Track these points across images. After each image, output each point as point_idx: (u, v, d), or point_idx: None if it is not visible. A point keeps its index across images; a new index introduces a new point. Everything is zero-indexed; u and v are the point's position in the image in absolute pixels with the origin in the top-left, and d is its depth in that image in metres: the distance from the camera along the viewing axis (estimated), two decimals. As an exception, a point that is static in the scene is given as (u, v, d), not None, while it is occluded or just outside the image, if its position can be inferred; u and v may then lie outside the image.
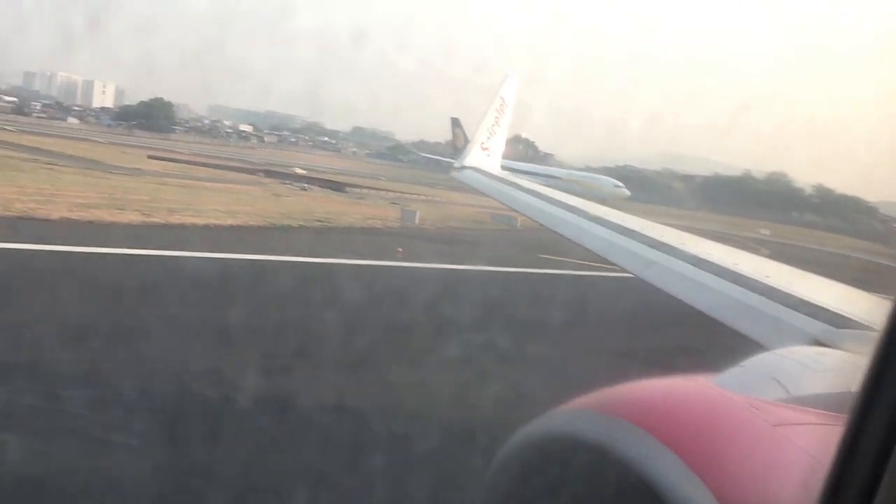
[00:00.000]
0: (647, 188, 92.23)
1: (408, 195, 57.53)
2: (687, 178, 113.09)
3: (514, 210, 13.61)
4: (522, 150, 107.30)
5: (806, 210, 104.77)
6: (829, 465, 1.74)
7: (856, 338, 3.62)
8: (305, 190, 51.73)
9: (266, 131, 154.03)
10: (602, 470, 2.05)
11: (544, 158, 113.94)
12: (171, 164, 60.77)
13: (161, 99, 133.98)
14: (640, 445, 2.02)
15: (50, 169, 41.83)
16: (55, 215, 24.96)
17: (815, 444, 2.09)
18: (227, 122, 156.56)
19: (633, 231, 7.89)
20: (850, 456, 1.71)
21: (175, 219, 27.91)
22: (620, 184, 75.78)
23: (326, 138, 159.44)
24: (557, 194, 12.55)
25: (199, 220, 28.37)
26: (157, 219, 27.36)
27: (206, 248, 23.11)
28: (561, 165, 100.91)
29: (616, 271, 8.29)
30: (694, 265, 6.14)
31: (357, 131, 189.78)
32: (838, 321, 4.02)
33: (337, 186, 56.23)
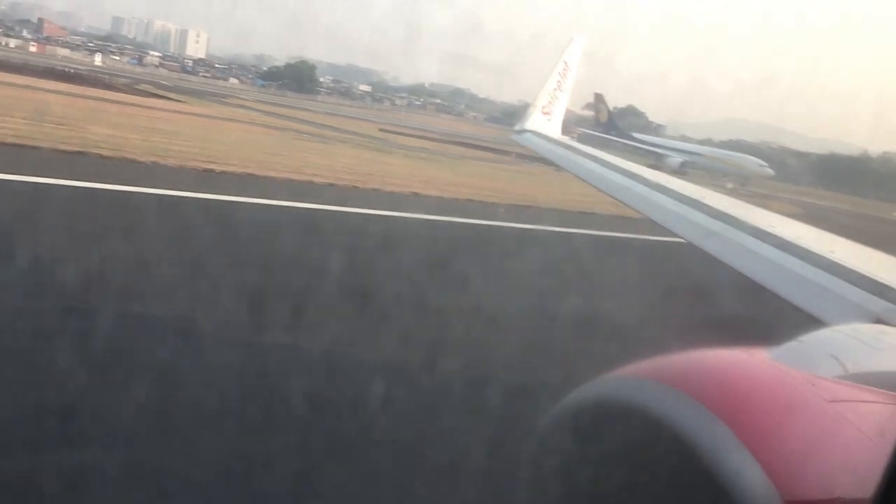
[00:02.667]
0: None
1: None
2: (801, 156, 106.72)
3: (575, 175, 12.73)
4: (633, 122, 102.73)
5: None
6: (892, 443, 1.67)
7: None
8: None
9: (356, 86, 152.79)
10: (653, 439, 1.99)
11: (657, 130, 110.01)
12: (419, 140, 59.85)
13: (305, 61, 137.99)
14: (693, 416, 1.97)
15: (380, 150, 43.75)
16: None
17: (873, 422, 1.99)
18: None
19: (696, 200, 7.47)
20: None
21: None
22: (764, 163, 71.68)
23: (439, 100, 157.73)
24: (617, 160, 11.81)
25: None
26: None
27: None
28: (672, 138, 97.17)
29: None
30: (756, 237, 5.82)
31: (457, 93, 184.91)
32: None
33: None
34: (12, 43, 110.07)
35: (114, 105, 44.35)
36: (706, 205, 7.17)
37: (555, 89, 17.10)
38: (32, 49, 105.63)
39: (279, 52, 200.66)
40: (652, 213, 7.97)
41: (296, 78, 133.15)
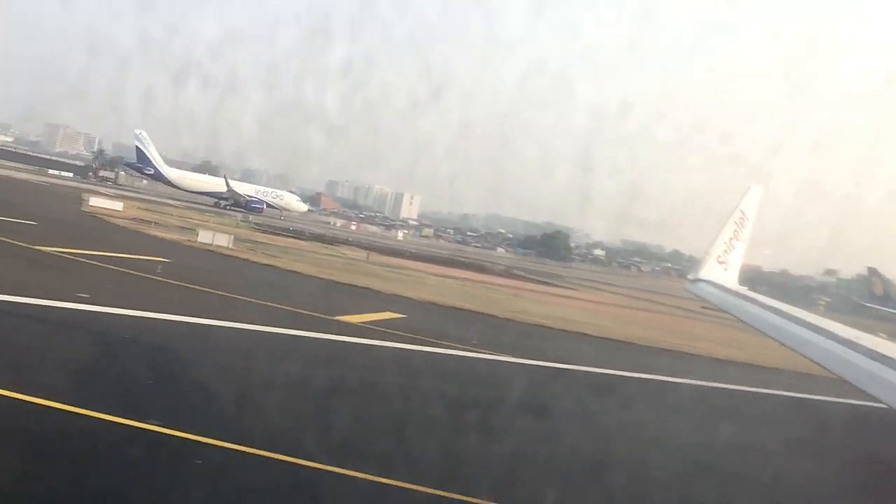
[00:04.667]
0: None
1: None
2: None
3: (752, 327, 12.18)
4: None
5: None
6: None
7: None
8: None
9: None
10: None
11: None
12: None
13: (560, 231, 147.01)
14: None
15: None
16: None
17: None
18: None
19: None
20: None
21: None
22: None
23: (637, 258, 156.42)
24: (799, 312, 11.26)
25: None
26: None
27: None
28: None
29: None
30: None
31: (626, 244, 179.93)
32: None
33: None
34: (338, 222, 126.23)
35: (516, 290, 49.78)
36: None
37: (731, 238, 16.57)
38: (353, 228, 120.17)
39: (479, 211, 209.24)
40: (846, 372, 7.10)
41: (551, 246, 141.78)
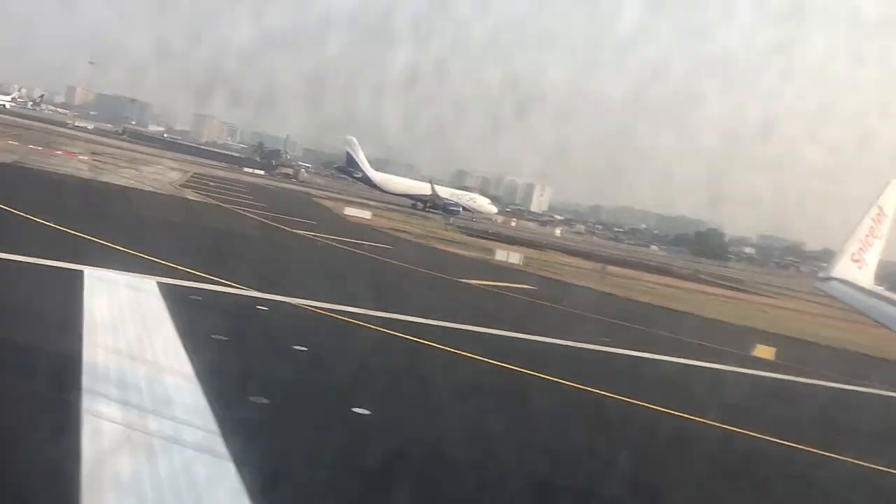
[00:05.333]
0: None
1: None
2: None
3: (888, 328, 11.78)
4: None
5: None
6: None
7: None
8: None
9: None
10: None
11: None
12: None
13: (714, 229, 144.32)
14: None
15: None
16: None
17: None
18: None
19: None
20: None
21: None
22: None
23: (791, 258, 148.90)
24: None
25: None
26: None
27: None
28: None
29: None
30: None
31: (766, 239, 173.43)
32: None
33: None
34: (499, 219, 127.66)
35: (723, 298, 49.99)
36: None
37: (867, 235, 15.73)
38: (513, 224, 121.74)
39: (609, 203, 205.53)
40: None
41: (704, 244, 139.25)
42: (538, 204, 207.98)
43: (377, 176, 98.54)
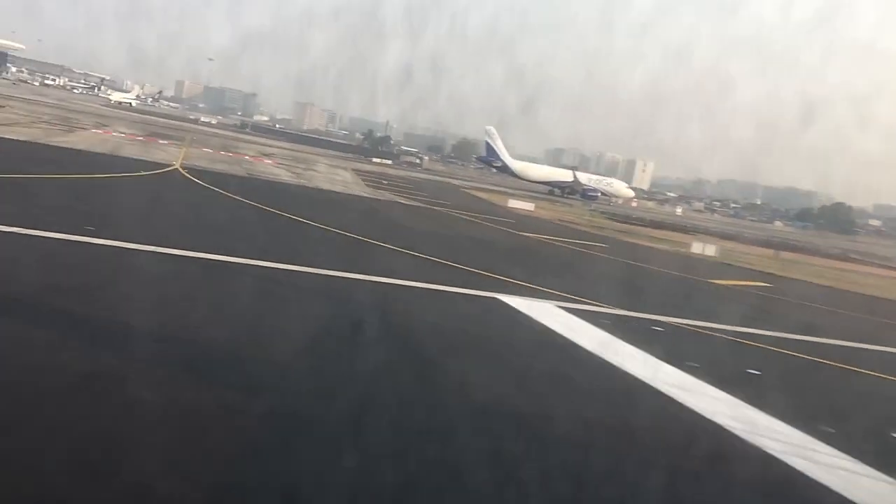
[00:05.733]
0: None
1: None
2: None
3: None
4: None
5: None
6: None
7: None
8: None
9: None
10: None
11: None
12: None
13: (841, 203, 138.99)
14: None
15: None
16: None
17: None
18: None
19: None
20: None
21: None
22: None
23: None
24: None
25: None
26: None
27: None
28: None
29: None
30: None
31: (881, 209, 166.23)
32: None
33: None
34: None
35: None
36: None
37: None
38: (634, 204, 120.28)
39: (713, 177, 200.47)
40: None
41: (833, 218, 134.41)
42: (640, 180, 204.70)
43: (516, 164, 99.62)
